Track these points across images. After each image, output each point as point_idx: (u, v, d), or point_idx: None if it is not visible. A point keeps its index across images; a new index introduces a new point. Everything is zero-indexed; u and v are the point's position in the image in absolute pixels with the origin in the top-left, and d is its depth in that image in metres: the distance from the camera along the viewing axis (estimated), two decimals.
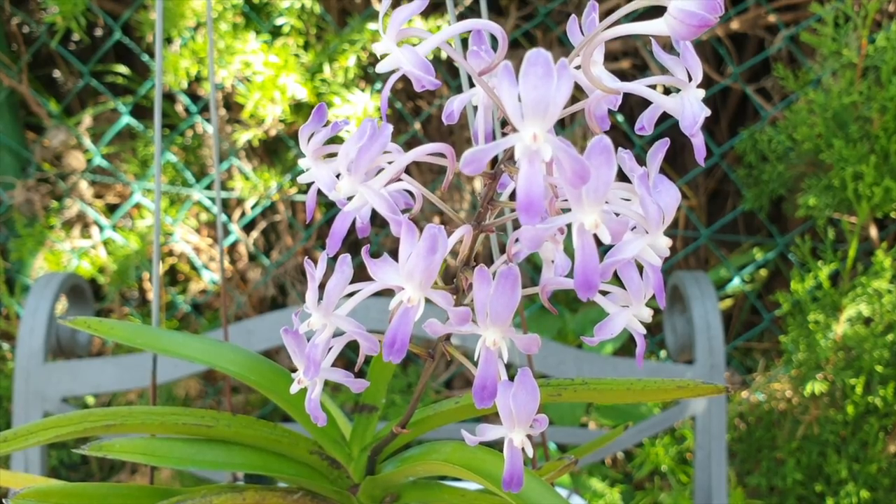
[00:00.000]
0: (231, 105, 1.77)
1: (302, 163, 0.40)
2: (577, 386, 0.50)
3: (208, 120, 1.79)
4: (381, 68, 0.38)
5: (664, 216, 0.36)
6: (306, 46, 1.66)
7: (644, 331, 0.41)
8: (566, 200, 0.37)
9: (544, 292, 0.42)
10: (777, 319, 1.70)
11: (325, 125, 0.40)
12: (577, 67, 0.38)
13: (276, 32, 1.65)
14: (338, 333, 0.41)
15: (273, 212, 1.83)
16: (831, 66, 1.41)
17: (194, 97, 1.78)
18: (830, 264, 1.43)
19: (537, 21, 1.62)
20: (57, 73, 2.01)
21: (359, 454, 0.57)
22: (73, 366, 1.24)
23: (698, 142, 0.38)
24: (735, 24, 1.58)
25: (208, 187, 1.80)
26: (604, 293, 0.41)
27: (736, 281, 1.73)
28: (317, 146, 0.39)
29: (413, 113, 1.74)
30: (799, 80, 1.45)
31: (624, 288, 0.39)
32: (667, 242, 0.36)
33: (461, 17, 1.54)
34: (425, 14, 1.56)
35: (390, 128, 0.36)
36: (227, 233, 1.80)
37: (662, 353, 1.78)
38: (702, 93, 0.38)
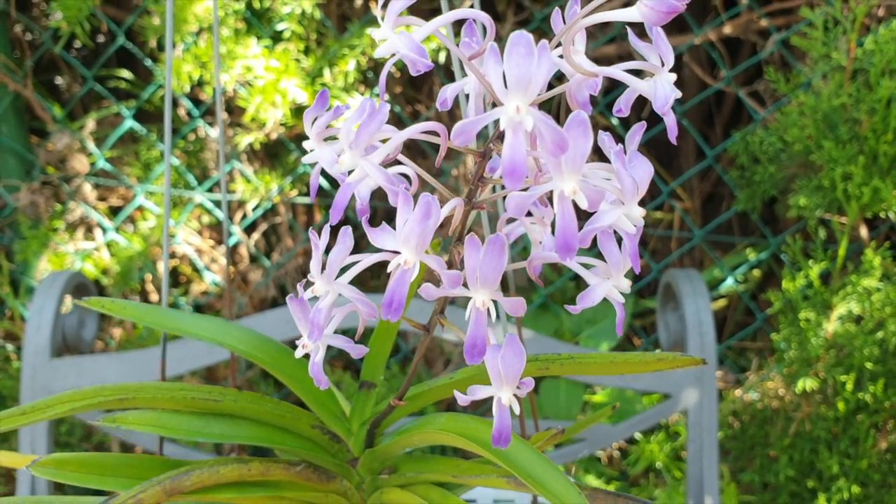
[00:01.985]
0: (233, 109, 1.80)
1: (306, 144, 0.43)
2: (564, 360, 0.53)
3: (210, 124, 1.82)
4: (379, 53, 0.40)
5: (638, 188, 0.39)
6: (307, 51, 1.69)
7: (622, 300, 0.44)
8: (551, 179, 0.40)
9: (531, 267, 0.45)
10: (770, 319, 1.72)
11: (327, 110, 0.43)
12: (562, 56, 0.41)
13: (277, 37, 1.68)
14: (340, 304, 0.44)
15: (274, 214, 1.86)
16: (821, 69, 1.44)
17: (196, 101, 1.81)
18: (821, 263, 1.46)
19: (533, 26, 1.65)
20: (59, 79, 2.05)
21: (358, 429, 0.59)
22: (79, 362, 1.27)
23: (670, 120, 0.41)
24: (728, 29, 1.61)
25: (210, 190, 1.83)
26: (587, 266, 0.44)
27: (729, 281, 1.76)
28: (320, 129, 0.42)
29: (412, 117, 1.77)
30: (790, 84, 1.48)
31: (605, 261, 0.42)
32: (641, 212, 0.39)
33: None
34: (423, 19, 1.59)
35: (387, 106, 0.39)
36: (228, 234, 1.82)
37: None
38: (673, 76, 0.41)
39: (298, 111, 1.70)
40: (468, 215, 0.42)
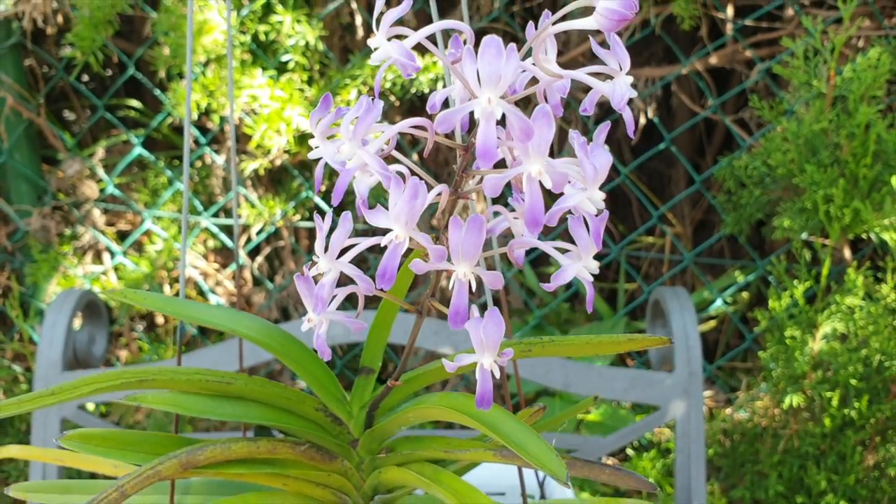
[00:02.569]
0: (239, 137, 1.86)
1: (312, 142, 0.49)
2: (545, 343, 0.58)
3: (217, 151, 1.89)
4: (373, 59, 0.46)
5: (598, 174, 0.45)
6: (310, 81, 1.76)
7: (591, 278, 0.49)
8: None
9: (511, 252, 0.51)
10: (759, 340, 1.77)
11: (329, 112, 0.48)
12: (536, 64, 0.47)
13: (281, 68, 1.75)
14: (341, 285, 0.49)
15: (277, 238, 1.91)
16: (803, 97, 1.51)
17: (203, 130, 1.88)
18: (805, 283, 1.51)
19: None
20: (67, 112, 2.12)
21: (358, 411, 0.64)
22: (87, 374, 1.32)
23: (627, 115, 0.46)
24: (714, 59, 1.68)
25: (216, 215, 1.89)
26: (563, 251, 0.50)
27: (718, 302, 1.81)
28: (324, 128, 0.48)
29: (410, 144, 1.83)
30: (774, 111, 1.55)
31: (576, 243, 0.48)
32: (601, 196, 0.45)
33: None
34: (421, 52, 1.66)
35: (381, 103, 0.45)
36: (231, 257, 1.88)
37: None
38: (630, 79, 0.46)
39: (302, 138, 1.76)
40: (454, 204, 0.47)
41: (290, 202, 1.82)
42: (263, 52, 1.74)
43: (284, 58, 1.72)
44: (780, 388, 1.57)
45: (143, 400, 0.59)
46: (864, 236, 1.53)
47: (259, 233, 1.86)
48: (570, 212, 0.46)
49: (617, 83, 0.46)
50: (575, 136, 0.44)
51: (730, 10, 1.69)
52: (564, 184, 0.43)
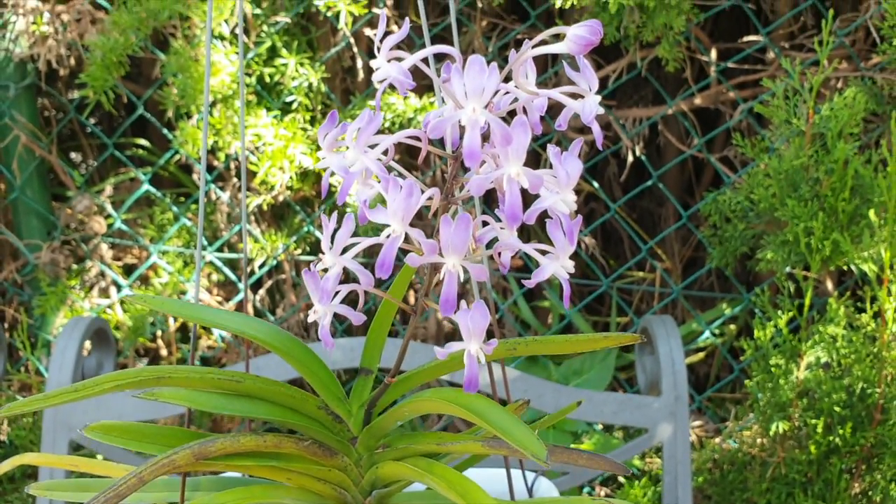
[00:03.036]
0: None
1: (320, 154, 0.55)
2: (529, 342, 0.63)
3: (221, 188, 1.96)
4: (375, 77, 0.53)
5: (570, 179, 0.51)
6: (313, 121, 1.83)
7: (567, 276, 0.55)
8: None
9: (497, 257, 0.57)
10: (747, 371, 1.82)
11: (335, 127, 0.55)
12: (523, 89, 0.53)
13: (285, 109, 1.82)
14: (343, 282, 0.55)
15: (279, 271, 1.97)
16: (783, 134, 1.58)
17: (209, 167, 1.95)
18: (788, 313, 1.57)
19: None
20: (74, 154, 2.19)
21: (357, 410, 0.70)
22: (98, 398, 1.37)
23: (595, 128, 0.53)
24: (698, 100, 1.76)
25: (219, 249, 1.95)
26: (543, 252, 0.55)
27: (707, 334, 1.86)
28: (331, 141, 0.54)
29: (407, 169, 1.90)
30: (756, 148, 1.62)
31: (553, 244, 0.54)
32: (573, 198, 0.51)
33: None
34: (419, 93, 1.74)
35: (382, 115, 0.51)
36: (235, 290, 1.94)
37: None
38: (598, 98, 0.53)
39: (304, 175, 1.83)
40: (445, 209, 0.53)
41: (292, 237, 1.88)
42: (268, 94, 1.82)
43: (288, 99, 1.79)
44: (767, 415, 1.61)
45: (160, 395, 0.64)
46: (844, 268, 1.59)
47: (261, 266, 1.92)
48: (548, 216, 0.52)
49: (587, 101, 0.52)
50: (551, 148, 0.50)
51: (713, 54, 1.77)
52: (540, 185, 0.49)
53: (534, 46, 0.51)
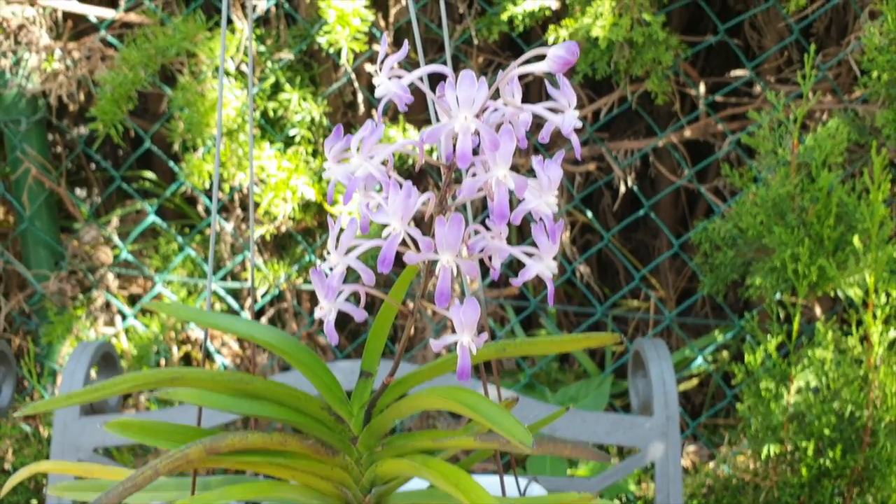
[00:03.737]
0: (247, 206, 1.99)
1: (325, 165, 0.60)
2: (518, 344, 0.68)
3: (225, 219, 2.01)
4: (377, 94, 0.58)
5: (551, 183, 0.56)
6: (315, 153, 1.89)
7: (550, 275, 0.59)
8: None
9: (489, 260, 0.61)
10: (740, 397, 1.86)
11: (340, 140, 0.60)
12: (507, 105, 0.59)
13: (288, 142, 1.88)
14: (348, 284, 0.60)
15: (281, 300, 2.02)
16: (769, 164, 1.63)
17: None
18: (777, 337, 1.61)
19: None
20: (78, 191, 2.25)
21: (358, 411, 0.74)
22: (106, 419, 1.40)
23: (574, 139, 0.58)
24: (688, 132, 1.82)
25: (223, 279, 1.99)
26: (529, 255, 0.60)
27: (699, 360, 1.90)
28: (336, 153, 0.60)
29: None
30: (744, 178, 1.67)
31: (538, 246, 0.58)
32: (554, 201, 0.56)
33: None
34: (417, 126, 1.80)
35: (383, 126, 0.56)
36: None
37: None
38: (576, 113, 0.58)
39: (306, 206, 1.88)
40: (440, 212, 0.58)
41: (294, 266, 1.93)
42: (272, 128, 1.88)
43: (291, 132, 1.85)
44: (759, 438, 1.65)
45: (175, 395, 0.69)
46: (832, 294, 1.64)
47: (264, 295, 1.96)
48: (534, 221, 0.57)
49: (566, 116, 0.57)
50: (534, 158, 0.56)
51: (702, 87, 1.83)
52: (525, 188, 0.54)
53: (519, 65, 0.56)
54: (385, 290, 0.68)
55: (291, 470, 0.73)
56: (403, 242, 0.57)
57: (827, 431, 1.59)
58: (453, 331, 0.57)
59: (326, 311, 0.61)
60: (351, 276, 0.64)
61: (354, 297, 0.65)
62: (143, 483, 0.65)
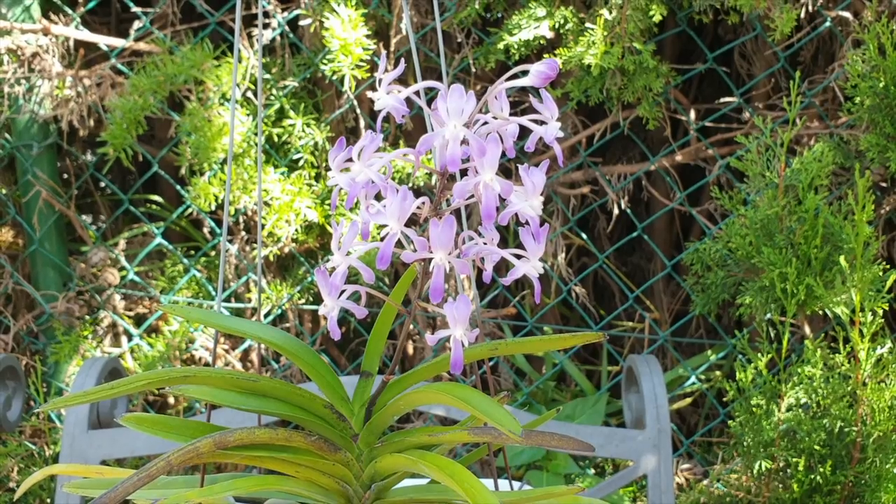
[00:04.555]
0: (250, 227, 2.04)
1: (329, 174, 0.65)
2: (509, 344, 0.73)
3: (231, 240, 2.06)
4: (376, 107, 0.63)
5: (535, 188, 0.61)
6: (318, 177, 1.95)
7: (537, 274, 0.64)
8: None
9: (477, 259, 0.66)
10: (732, 415, 1.90)
11: (343, 151, 0.65)
12: (496, 118, 0.64)
13: (292, 166, 1.94)
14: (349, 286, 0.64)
15: (283, 320, 2.06)
16: (758, 186, 1.69)
17: (219, 222, 2.05)
18: (767, 355, 1.65)
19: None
20: (83, 217, 2.31)
21: (359, 409, 0.78)
22: (113, 433, 1.45)
23: (556, 147, 0.63)
24: (679, 157, 1.87)
25: (227, 300, 2.04)
26: (518, 257, 0.65)
27: (692, 379, 1.94)
28: (339, 163, 0.65)
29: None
30: (733, 200, 1.72)
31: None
32: (539, 204, 0.61)
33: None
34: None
35: (381, 136, 0.61)
36: (241, 340, 2.02)
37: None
38: (558, 124, 0.63)
39: (309, 228, 1.94)
40: (434, 215, 0.63)
41: (296, 287, 1.98)
42: (276, 152, 1.93)
43: (295, 156, 1.91)
44: (752, 454, 1.68)
45: (186, 392, 0.73)
46: (820, 312, 1.68)
47: (267, 315, 2.01)
48: (520, 224, 0.62)
49: (548, 127, 0.62)
50: (520, 166, 0.61)
51: (692, 114, 1.89)
52: (510, 190, 0.59)
53: (505, 80, 0.61)
54: (385, 293, 0.72)
55: (295, 465, 0.78)
56: (402, 244, 0.62)
57: (817, 447, 1.63)
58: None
59: (329, 308, 0.65)
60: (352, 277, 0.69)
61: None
62: (156, 473, 0.70)
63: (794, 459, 1.64)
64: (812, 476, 1.65)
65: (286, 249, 1.96)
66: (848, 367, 1.61)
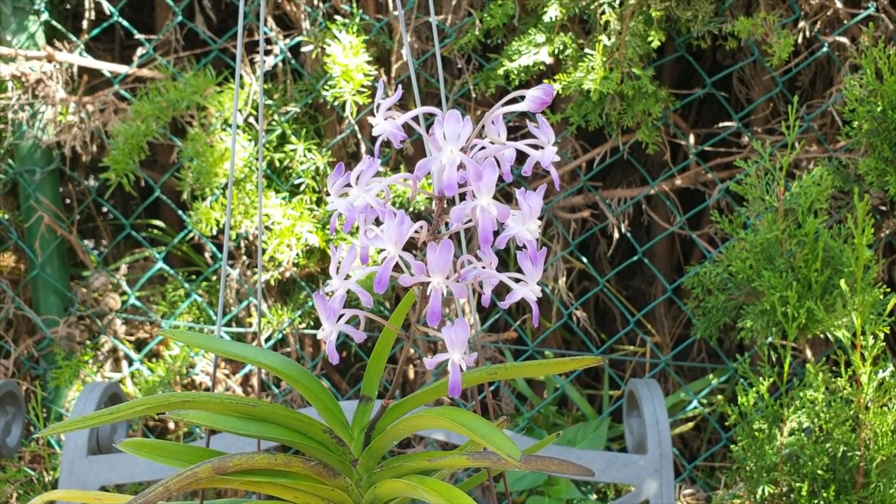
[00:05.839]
0: (252, 252, 2.04)
1: (328, 199, 0.66)
2: (508, 368, 0.73)
3: (232, 265, 2.06)
4: (374, 132, 0.64)
5: (532, 211, 0.61)
6: (319, 202, 1.95)
7: (535, 298, 0.64)
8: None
9: (476, 283, 0.66)
10: (735, 440, 1.89)
11: (341, 176, 0.65)
12: (493, 143, 0.64)
13: (293, 191, 1.95)
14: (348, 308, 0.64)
15: (284, 345, 2.06)
16: (757, 210, 1.69)
17: (220, 246, 2.06)
18: (769, 379, 1.65)
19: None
20: (86, 242, 2.31)
21: (358, 434, 0.78)
22: (112, 458, 1.44)
23: (553, 172, 0.63)
24: (679, 181, 1.88)
25: (228, 324, 2.04)
26: (517, 280, 0.65)
27: (694, 403, 1.94)
28: (338, 188, 0.65)
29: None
30: (733, 224, 1.73)
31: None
32: (536, 227, 0.61)
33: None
34: None
35: (379, 161, 0.61)
36: (242, 364, 2.02)
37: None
38: (555, 149, 0.64)
39: (310, 252, 1.94)
40: (432, 239, 0.64)
41: (297, 311, 1.98)
42: (277, 177, 1.94)
43: (297, 181, 1.92)
44: (754, 479, 1.67)
45: (185, 416, 0.73)
46: (821, 336, 1.68)
47: (268, 339, 2.01)
48: (518, 248, 0.63)
49: (545, 151, 0.63)
50: (517, 190, 0.61)
51: (691, 138, 1.90)
52: (507, 214, 0.59)
53: (503, 105, 0.62)
54: (385, 317, 0.73)
55: (294, 490, 0.77)
56: (401, 268, 0.62)
57: (820, 472, 1.62)
58: None
59: (328, 332, 0.65)
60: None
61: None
62: (154, 500, 0.69)
63: (798, 484, 1.63)
64: (815, 501, 1.64)
65: (287, 274, 1.96)
66: (850, 391, 1.61)
